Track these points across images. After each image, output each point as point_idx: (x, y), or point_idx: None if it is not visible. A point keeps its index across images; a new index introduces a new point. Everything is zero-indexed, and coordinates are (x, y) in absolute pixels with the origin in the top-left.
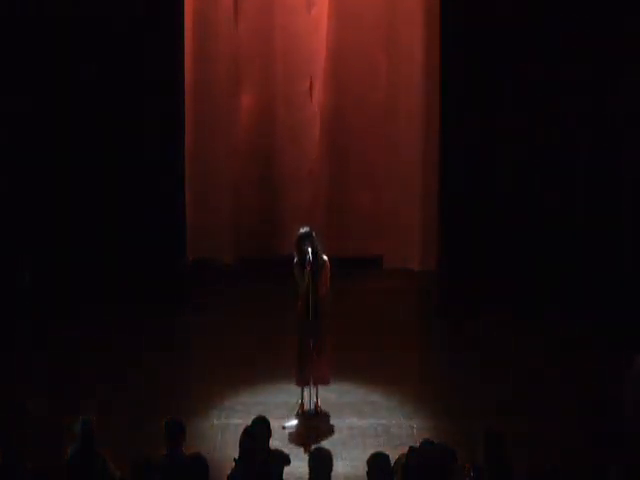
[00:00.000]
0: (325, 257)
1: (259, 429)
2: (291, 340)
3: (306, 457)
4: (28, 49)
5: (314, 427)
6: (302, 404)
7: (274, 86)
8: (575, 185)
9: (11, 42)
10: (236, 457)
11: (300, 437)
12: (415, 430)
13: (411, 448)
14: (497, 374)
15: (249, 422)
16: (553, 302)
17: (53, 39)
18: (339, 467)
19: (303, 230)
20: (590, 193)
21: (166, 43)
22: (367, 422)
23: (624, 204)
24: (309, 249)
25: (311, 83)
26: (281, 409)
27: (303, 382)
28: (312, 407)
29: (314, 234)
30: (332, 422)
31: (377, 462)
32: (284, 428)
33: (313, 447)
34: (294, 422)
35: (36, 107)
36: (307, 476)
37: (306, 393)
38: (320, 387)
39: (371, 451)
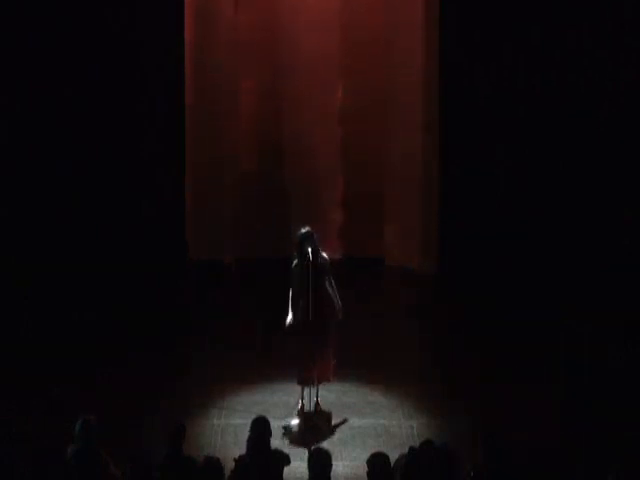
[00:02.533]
0: (325, 255)
1: (260, 429)
2: (291, 340)
3: (306, 457)
4: (28, 49)
5: (314, 427)
6: (303, 404)
7: (277, 86)
8: (575, 186)
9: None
10: (236, 457)
11: (300, 437)
12: (415, 430)
13: (411, 448)
14: (497, 374)
15: (249, 422)
16: (552, 302)
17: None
18: (339, 467)
19: (304, 230)
20: (590, 194)
21: (166, 42)
22: (367, 422)
23: (626, 209)
24: (309, 249)
25: (314, 82)
26: (281, 409)
27: (306, 382)
28: (312, 407)
29: (314, 235)
30: (332, 422)
31: (377, 462)
32: (284, 428)
33: (313, 447)
34: (294, 422)
35: (34, 107)
36: (307, 476)
37: (306, 393)
38: (320, 387)
39: (371, 451)
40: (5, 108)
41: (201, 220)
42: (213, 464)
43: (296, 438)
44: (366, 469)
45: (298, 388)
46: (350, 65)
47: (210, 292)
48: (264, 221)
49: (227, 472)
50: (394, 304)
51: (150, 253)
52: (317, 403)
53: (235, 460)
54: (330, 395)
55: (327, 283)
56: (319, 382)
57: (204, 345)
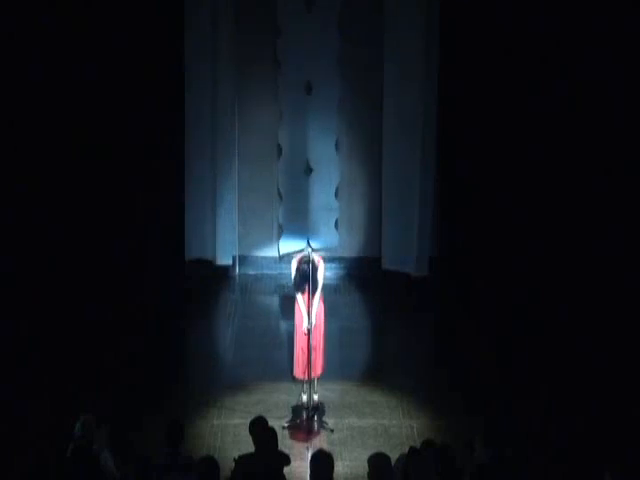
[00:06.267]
0: (319, 256)
1: (259, 429)
2: (290, 339)
3: (306, 457)
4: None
5: (314, 427)
6: (302, 403)
7: (276, 88)
8: (571, 189)
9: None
10: (236, 457)
11: (300, 437)
12: (415, 430)
13: (411, 448)
14: (497, 374)
15: (248, 422)
16: (548, 303)
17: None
18: (339, 467)
19: (305, 257)
20: (588, 197)
21: (166, 42)
22: (367, 422)
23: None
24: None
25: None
26: (280, 409)
27: (304, 377)
28: (312, 406)
29: (312, 259)
30: (332, 422)
31: (377, 462)
32: (284, 428)
33: (314, 450)
34: (294, 420)
35: (34, 106)
36: (307, 476)
37: (306, 392)
38: (320, 387)
39: (371, 451)
40: (5, 108)
41: (200, 221)
42: (209, 463)
43: (296, 438)
44: (366, 469)
45: (298, 388)
46: (349, 63)
47: (209, 292)
48: (262, 221)
49: (227, 472)
50: (392, 305)
51: (149, 253)
52: (317, 402)
53: (235, 460)
54: (330, 395)
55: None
56: (311, 377)
57: (204, 345)
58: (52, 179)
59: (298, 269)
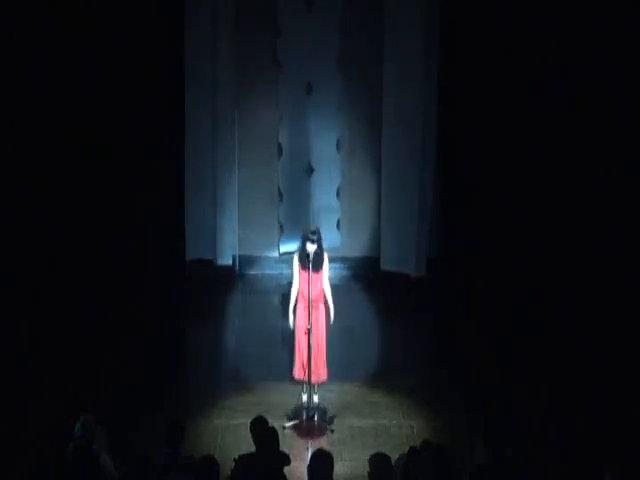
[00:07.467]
0: (325, 255)
1: (260, 429)
2: (291, 339)
3: (306, 457)
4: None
5: (314, 427)
6: (302, 403)
7: (276, 88)
8: (571, 189)
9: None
10: (236, 457)
11: (300, 437)
12: (415, 430)
13: (411, 448)
14: (497, 374)
15: (249, 422)
16: (548, 303)
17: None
18: (339, 467)
19: (311, 228)
20: (588, 197)
21: (166, 42)
22: (367, 422)
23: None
24: (313, 246)
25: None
26: (281, 409)
27: (301, 380)
28: (312, 406)
29: (319, 233)
30: (330, 420)
31: (377, 462)
32: (284, 428)
33: (313, 449)
34: (294, 422)
35: (34, 106)
36: (307, 476)
37: (306, 392)
38: (320, 386)
39: (371, 451)
40: (5, 108)
41: (200, 220)
42: (209, 463)
43: (296, 438)
44: (366, 469)
45: (298, 388)
46: (349, 63)
47: (209, 292)
48: (263, 221)
49: (227, 472)
50: (392, 305)
51: (149, 253)
52: (317, 402)
53: (235, 460)
54: (330, 395)
55: (326, 282)
56: (315, 381)
57: (204, 345)
58: (52, 179)
59: (303, 237)
